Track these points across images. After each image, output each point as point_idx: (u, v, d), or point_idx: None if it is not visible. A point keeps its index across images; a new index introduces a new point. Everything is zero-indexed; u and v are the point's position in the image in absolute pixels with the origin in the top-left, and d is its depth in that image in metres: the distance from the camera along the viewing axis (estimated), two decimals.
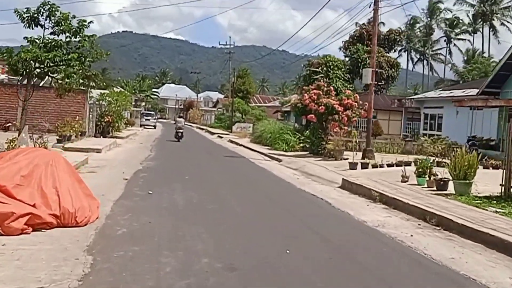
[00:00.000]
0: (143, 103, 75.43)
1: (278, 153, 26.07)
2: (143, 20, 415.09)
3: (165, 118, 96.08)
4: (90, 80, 16.54)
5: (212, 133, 50.10)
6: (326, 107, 23.36)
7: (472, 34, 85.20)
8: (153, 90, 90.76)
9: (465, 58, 71.14)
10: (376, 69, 23.74)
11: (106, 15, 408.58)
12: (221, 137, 42.88)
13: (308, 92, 24.29)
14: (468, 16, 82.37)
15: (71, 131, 22.47)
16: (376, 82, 32.23)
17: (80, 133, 24.52)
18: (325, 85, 25.19)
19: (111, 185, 11.69)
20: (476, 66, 55.26)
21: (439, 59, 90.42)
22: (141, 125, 52.60)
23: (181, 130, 32.95)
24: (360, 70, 29.53)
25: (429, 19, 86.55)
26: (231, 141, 37.41)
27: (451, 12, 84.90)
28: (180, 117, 36.95)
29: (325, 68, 29.08)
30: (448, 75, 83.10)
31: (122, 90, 30.58)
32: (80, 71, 15.55)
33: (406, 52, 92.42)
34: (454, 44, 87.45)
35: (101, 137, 28.14)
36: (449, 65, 74.11)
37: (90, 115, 28.04)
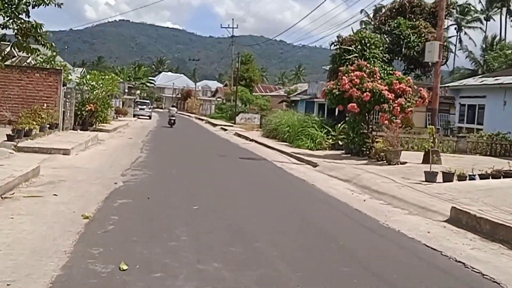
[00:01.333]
0: (138, 91, 69.00)
1: (304, 152, 20.04)
2: (141, 9, 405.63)
3: (161, 108, 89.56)
4: (26, 36, 9.98)
5: (214, 125, 43.95)
6: (372, 93, 17.30)
7: (486, 21, 79.30)
8: (149, 78, 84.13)
9: (483, 45, 65.01)
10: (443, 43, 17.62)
11: (103, 4, 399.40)
12: (225, 130, 36.74)
13: (347, 74, 18.14)
14: (481, 2, 76.38)
15: (34, 123, 16.34)
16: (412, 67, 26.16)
17: (49, 125, 18.38)
18: (367, 65, 19.09)
19: (44, 245, 5.55)
20: (503, 53, 49.21)
21: (449, 48, 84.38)
22: (134, 115, 46.39)
23: (173, 118, 36.44)
24: (402, 49, 23.44)
25: None
26: (239, 135, 31.30)
27: None
28: (173, 106, 41.54)
29: (359, 46, 22.97)
30: (461, 64, 77.25)
31: (108, 73, 24.28)
32: (11, 20, 9.28)
33: None
34: (465, 33, 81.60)
35: (81, 130, 21.98)
36: (465, 53, 67.95)
37: (67, 103, 21.84)
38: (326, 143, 22.00)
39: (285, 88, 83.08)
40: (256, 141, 25.94)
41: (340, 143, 20.84)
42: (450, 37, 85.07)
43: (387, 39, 23.72)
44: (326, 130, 22.84)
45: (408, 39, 23.20)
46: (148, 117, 48.14)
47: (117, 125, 29.40)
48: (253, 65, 61.70)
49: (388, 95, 17.36)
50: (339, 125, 21.89)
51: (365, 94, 17.25)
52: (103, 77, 23.68)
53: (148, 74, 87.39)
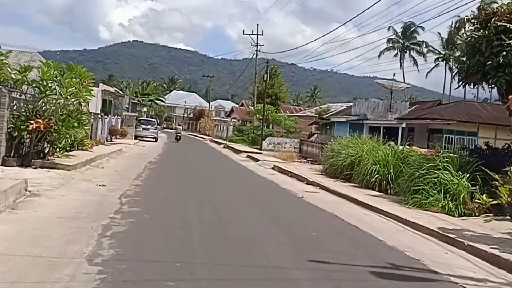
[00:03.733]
0: (145, 109, 58.30)
1: (450, 221, 9.02)
2: (154, 30, 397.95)
3: (171, 128, 78.56)
4: None
5: (237, 151, 32.84)
6: None
7: None
8: (159, 96, 73.32)
9: None
10: None
11: (117, 25, 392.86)
12: (256, 160, 25.59)
13: None
14: None
15: None
16: None
17: None
18: None
19: None
20: None
21: None
22: (136, 137, 35.48)
23: (179, 134, 40.54)
24: None
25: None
26: (282, 170, 20.12)
27: None
28: (179, 125, 48.67)
29: None
30: None
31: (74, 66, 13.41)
32: None
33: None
34: None
35: (19, 166, 11.10)
36: None
37: None
38: (478, 203, 10.95)
39: (311, 108, 72.26)
40: (324, 187, 14.84)
41: None
42: None
43: None
44: (463, 175, 11.72)
45: None
46: (153, 139, 37.18)
47: (100, 153, 18.46)
48: (279, 80, 51.04)
49: None
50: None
51: None
52: (60, 71, 12.73)
53: (158, 92, 76.71)
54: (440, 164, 11.92)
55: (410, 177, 12.22)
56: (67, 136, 14.42)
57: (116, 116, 33.83)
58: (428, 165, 12.03)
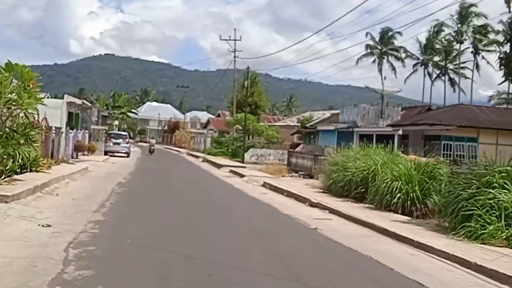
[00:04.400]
0: (116, 122, 54.55)
1: None
2: (126, 43, 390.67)
3: (145, 141, 74.67)
4: None
5: (218, 166, 29.66)
6: None
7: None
8: (131, 108, 69.36)
9: None
10: None
11: (88, 38, 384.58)
12: (241, 176, 22.47)
13: None
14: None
15: None
16: None
17: None
18: None
19: None
20: None
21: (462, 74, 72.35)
22: (106, 152, 31.96)
23: (153, 147, 40.70)
24: None
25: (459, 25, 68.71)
26: (275, 188, 17.05)
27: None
28: (152, 138, 51.21)
29: None
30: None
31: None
32: None
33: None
34: (483, 57, 69.54)
35: None
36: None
37: None
38: None
39: (288, 117, 69.68)
40: (335, 211, 11.86)
41: None
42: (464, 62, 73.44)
43: None
44: None
45: None
46: (125, 155, 33.68)
47: (59, 174, 15.11)
48: (259, 88, 48.15)
49: None
50: None
51: None
52: None
53: (130, 104, 72.79)
54: (494, 180, 9.11)
55: (455, 199, 9.34)
56: (11, 156, 11.14)
57: (83, 131, 30.29)
58: (478, 182, 9.20)
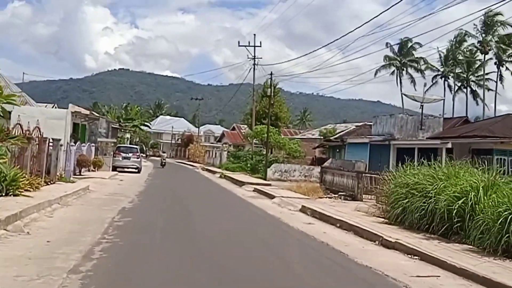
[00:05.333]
0: (128, 135, 51.11)
1: None
2: (140, 58, 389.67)
3: (158, 156, 71.12)
4: None
5: (239, 183, 25.84)
6: None
7: None
8: (144, 120, 65.91)
9: None
10: None
11: (103, 53, 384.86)
12: (271, 197, 18.61)
13: None
14: None
15: None
16: None
17: None
18: None
19: None
20: None
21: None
22: (114, 168, 28.34)
23: (164, 160, 41.02)
24: None
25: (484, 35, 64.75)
26: (324, 218, 13.16)
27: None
28: (163, 152, 48.94)
29: None
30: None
31: None
32: None
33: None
34: (506, 68, 65.44)
35: None
36: None
37: None
38: None
39: (309, 130, 65.91)
40: (428, 258, 7.96)
41: None
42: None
43: None
44: None
45: None
46: (135, 170, 30.04)
47: (44, 199, 11.42)
48: (280, 98, 44.47)
49: None
50: None
51: None
52: None
53: (143, 117, 69.40)
54: None
55: None
56: None
57: (88, 143, 26.71)
58: None
